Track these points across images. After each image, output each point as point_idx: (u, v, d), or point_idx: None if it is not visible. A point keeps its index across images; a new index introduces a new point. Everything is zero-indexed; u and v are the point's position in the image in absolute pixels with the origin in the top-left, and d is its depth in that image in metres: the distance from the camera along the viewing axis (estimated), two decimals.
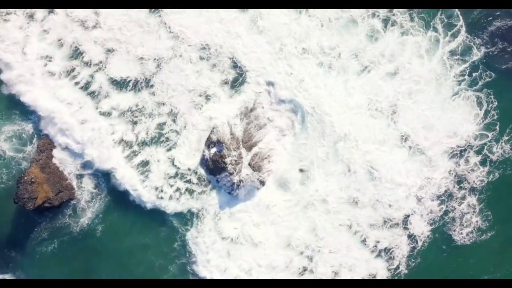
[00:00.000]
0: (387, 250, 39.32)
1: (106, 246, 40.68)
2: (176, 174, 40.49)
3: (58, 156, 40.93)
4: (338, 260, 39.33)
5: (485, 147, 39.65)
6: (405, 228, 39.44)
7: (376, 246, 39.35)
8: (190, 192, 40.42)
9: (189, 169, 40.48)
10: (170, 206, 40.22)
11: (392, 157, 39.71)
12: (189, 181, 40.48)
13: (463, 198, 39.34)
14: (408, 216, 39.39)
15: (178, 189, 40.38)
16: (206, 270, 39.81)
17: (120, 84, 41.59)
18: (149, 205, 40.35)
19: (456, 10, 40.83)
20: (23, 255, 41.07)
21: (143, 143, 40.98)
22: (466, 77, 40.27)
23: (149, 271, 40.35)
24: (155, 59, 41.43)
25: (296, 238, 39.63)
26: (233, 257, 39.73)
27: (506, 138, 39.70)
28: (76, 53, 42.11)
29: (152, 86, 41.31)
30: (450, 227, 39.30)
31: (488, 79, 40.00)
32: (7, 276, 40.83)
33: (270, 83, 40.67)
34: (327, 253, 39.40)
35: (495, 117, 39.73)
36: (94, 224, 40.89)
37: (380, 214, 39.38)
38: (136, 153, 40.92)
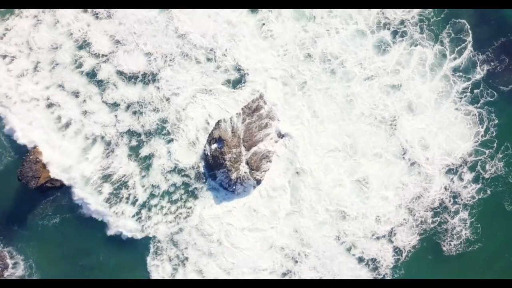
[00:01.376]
0: (373, 260, 39.43)
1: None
2: (174, 169, 41.38)
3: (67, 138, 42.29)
4: (323, 267, 39.53)
5: (479, 163, 39.74)
6: (390, 240, 39.48)
7: (362, 255, 39.49)
8: (186, 186, 41.26)
9: (186, 167, 41.30)
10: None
11: (388, 169, 40.09)
12: (186, 176, 41.30)
13: (457, 212, 39.51)
14: (395, 228, 39.47)
15: (174, 184, 41.33)
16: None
17: (127, 77, 42.87)
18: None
19: (466, 24, 41.16)
20: (24, 229, 42.14)
21: (149, 134, 42.12)
22: (468, 93, 40.54)
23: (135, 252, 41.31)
24: (162, 56, 42.78)
25: (281, 242, 40.00)
26: (214, 257, 40.19)
27: (500, 155, 39.81)
28: (85, 43, 43.66)
29: (158, 80, 42.50)
30: (440, 237, 39.39)
31: (489, 98, 40.27)
32: (10, 249, 42.35)
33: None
34: (312, 258, 39.67)
35: (494, 134, 39.91)
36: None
37: (367, 227, 39.54)
38: (141, 144, 42.01)
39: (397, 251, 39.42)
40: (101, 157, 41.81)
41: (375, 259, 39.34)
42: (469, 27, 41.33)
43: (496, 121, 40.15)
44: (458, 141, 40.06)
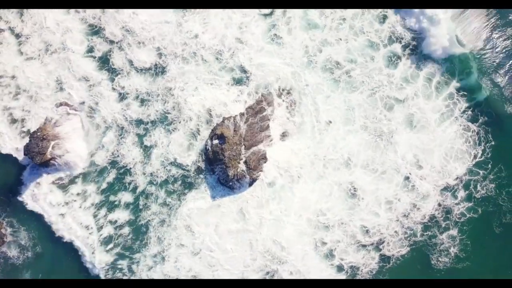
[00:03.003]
0: (352, 267, 39.80)
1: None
2: (174, 160, 42.51)
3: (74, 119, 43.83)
4: (299, 273, 40.02)
5: (472, 182, 39.86)
6: (378, 248, 39.83)
7: (341, 262, 39.88)
8: (184, 178, 42.35)
9: (186, 159, 42.39)
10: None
11: (382, 183, 40.55)
12: (185, 168, 42.39)
13: (447, 228, 39.64)
14: (384, 238, 39.80)
15: (172, 175, 42.51)
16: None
17: (136, 68, 44.38)
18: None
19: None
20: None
21: (152, 124, 43.48)
22: (469, 111, 40.95)
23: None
24: (171, 53, 44.19)
25: (263, 244, 40.60)
26: (198, 255, 41.11)
27: (492, 177, 39.83)
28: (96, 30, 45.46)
29: (165, 73, 43.92)
30: (430, 250, 39.47)
31: (487, 118, 40.55)
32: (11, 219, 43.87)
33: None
34: (291, 263, 40.18)
35: (489, 155, 40.05)
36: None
37: (355, 237, 39.97)
38: (147, 133, 43.39)
39: (384, 258, 39.63)
40: (114, 144, 43.39)
41: (356, 266, 39.63)
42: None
43: (493, 143, 40.23)
44: (455, 162, 40.32)
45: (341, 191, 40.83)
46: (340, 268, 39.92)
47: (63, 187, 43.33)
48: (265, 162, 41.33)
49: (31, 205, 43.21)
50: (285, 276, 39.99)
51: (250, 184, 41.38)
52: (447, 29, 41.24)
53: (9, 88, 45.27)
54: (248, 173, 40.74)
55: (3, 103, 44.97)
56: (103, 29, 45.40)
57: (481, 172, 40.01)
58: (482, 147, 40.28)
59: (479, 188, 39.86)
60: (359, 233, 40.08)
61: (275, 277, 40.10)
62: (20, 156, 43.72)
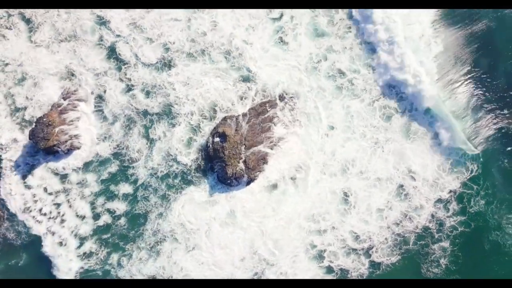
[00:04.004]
0: (343, 270, 40.19)
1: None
2: (174, 157, 43.34)
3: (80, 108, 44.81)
4: (289, 272, 40.61)
5: (465, 196, 40.31)
6: (368, 254, 40.26)
7: (331, 265, 40.34)
8: (184, 173, 43.11)
9: (186, 154, 43.22)
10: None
11: (377, 192, 41.17)
12: (184, 165, 43.16)
13: (439, 240, 39.98)
14: (375, 245, 40.24)
15: (172, 169, 43.34)
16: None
17: (142, 61, 45.49)
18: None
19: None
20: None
21: (154, 118, 44.49)
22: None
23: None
24: (178, 49, 45.37)
25: (252, 245, 41.23)
26: (190, 253, 41.69)
27: (483, 193, 40.19)
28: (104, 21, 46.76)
29: (171, 67, 45.05)
30: (421, 259, 39.76)
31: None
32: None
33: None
34: (279, 264, 40.66)
35: (480, 171, 40.45)
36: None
37: (346, 242, 40.48)
38: (152, 125, 44.33)
39: (374, 264, 40.06)
40: (120, 135, 44.35)
41: (345, 269, 40.09)
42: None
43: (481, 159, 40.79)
44: (449, 176, 40.90)
45: (335, 197, 41.42)
46: (330, 270, 40.38)
47: (62, 175, 44.12)
48: (264, 163, 42.03)
49: (27, 193, 44.10)
50: (273, 277, 40.44)
51: (248, 184, 42.04)
52: None
53: (16, 75, 46.29)
54: (246, 173, 41.46)
55: (7, 89, 45.95)
56: (109, 22, 46.59)
57: (475, 187, 40.43)
58: (476, 164, 40.78)
59: (472, 203, 40.25)
60: (349, 238, 40.60)
61: (263, 278, 40.53)
62: (18, 145, 44.93)
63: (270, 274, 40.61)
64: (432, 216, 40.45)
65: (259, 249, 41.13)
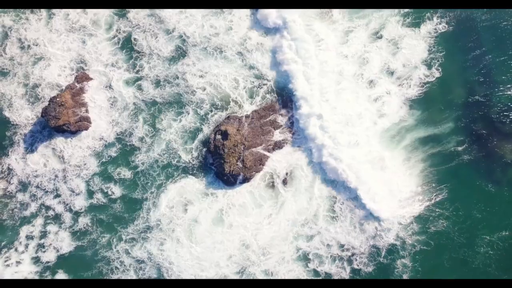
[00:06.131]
0: (327, 274, 41.48)
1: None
2: (177, 147, 45.28)
3: (92, 92, 46.90)
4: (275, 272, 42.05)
5: (427, 217, 41.36)
6: (350, 261, 41.52)
7: (316, 268, 41.60)
8: (185, 165, 44.92)
9: (189, 146, 45.15)
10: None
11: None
12: (186, 156, 45.01)
13: (403, 256, 41.10)
14: (354, 255, 41.59)
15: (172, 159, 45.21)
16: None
17: (157, 53, 47.43)
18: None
19: None
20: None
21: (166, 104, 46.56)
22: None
23: None
24: (193, 43, 47.22)
25: (241, 244, 42.72)
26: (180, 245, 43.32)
27: (447, 214, 41.32)
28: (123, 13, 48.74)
29: (185, 57, 46.93)
30: (389, 273, 40.85)
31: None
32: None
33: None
34: (265, 264, 42.18)
35: (447, 196, 41.61)
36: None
37: (331, 250, 41.88)
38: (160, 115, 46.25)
39: (355, 271, 41.32)
40: (128, 122, 46.24)
41: (328, 273, 41.49)
42: None
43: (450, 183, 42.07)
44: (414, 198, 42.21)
45: (325, 205, 42.78)
46: (316, 274, 41.67)
47: (65, 153, 46.05)
48: (260, 164, 43.63)
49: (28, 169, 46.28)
50: (260, 277, 41.80)
51: (243, 182, 43.59)
52: None
53: (33, 56, 48.23)
54: (243, 171, 43.05)
55: (24, 68, 47.97)
56: (128, 12, 48.48)
57: (437, 210, 41.56)
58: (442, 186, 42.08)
59: (436, 222, 41.32)
60: (335, 246, 41.95)
61: (250, 278, 41.82)
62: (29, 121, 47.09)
63: (256, 273, 42.07)
64: (397, 236, 41.55)
65: (245, 246, 42.66)
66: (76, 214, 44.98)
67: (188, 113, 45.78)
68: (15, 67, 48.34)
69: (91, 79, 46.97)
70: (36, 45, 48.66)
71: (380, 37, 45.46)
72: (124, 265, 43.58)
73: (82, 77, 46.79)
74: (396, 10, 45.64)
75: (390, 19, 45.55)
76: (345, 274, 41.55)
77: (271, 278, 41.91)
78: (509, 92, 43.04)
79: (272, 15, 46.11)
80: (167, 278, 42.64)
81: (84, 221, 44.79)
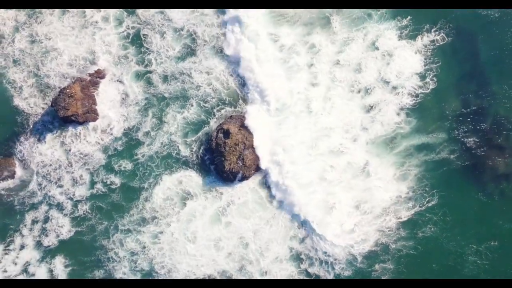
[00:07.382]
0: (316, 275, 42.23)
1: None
2: (179, 142, 46.40)
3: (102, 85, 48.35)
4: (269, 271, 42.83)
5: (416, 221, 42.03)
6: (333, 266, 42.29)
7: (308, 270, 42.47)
8: (186, 159, 46.07)
9: (190, 142, 46.33)
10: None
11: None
12: (187, 151, 46.16)
13: (384, 261, 41.85)
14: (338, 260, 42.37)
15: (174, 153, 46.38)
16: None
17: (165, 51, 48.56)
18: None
19: None
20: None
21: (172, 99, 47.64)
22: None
23: None
24: (204, 41, 48.35)
25: (237, 242, 43.66)
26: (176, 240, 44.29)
27: (435, 218, 41.80)
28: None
29: (193, 55, 48.09)
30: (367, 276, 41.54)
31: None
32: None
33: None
34: (259, 264, 43.02)
35: (437, 202, 42.31)
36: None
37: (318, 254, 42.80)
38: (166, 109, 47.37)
39: (338, 274, 42.12)
40: (136, 118, 47.43)
41: (317, 274, 42.40)
42: None
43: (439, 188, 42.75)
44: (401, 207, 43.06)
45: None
46: (308, 275, 42.58)
47: (70, 144, 47.45)
48: (259, 163, 44.68)
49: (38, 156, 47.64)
50: (256, 276, 42.62)
51: (241, 180, 44.64)
52: None
53: (45, 49, 49.59)
54: (242, 169, 44.02)
55: (35, 60, 49.39)
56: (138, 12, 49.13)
57: (428, 215, 42.08)
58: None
59: (424, 228, 41.83)
60: (320, 251, 42.87)
61: (246, 277, 42.64)
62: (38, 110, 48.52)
63: (252, 272, 43.01)
64: (376, 242, 42.28)
65: (242, 245, 43.68)
66: (77, 202, 46.22)
67: (192, 106, 46.63)
68: (25, 57, 49.56)
69: (102, 72, 48.26)
70: (49, 39, 49.91)
71: (377, 48, 46.32)
72: (119, 256, 44.75)
73: (92, 70, 48.15)
74: (393, 23, 46.57)
75: (386, 32, 46.44)
76: (331, 277, 42.16)
77: (265, 278, 42.64)
78: (502, 105, 44.22)
79: None
80: (161, 272, 43.75)
81: (83, 208, 46.05)
